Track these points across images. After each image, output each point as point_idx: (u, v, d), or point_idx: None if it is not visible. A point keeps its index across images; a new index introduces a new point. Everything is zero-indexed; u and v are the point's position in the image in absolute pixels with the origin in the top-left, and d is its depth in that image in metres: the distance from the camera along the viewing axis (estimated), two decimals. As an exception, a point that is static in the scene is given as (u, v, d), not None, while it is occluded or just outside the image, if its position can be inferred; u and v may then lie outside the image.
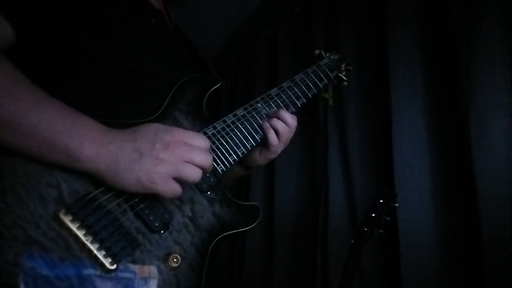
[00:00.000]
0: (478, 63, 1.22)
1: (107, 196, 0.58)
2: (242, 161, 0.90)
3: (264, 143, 0.82)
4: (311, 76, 0.94)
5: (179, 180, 0.57)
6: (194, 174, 0.58)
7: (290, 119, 0.81)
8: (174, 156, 0.56)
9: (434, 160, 1.32)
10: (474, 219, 1.14)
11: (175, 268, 0.61)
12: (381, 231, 1.08)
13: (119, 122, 0.62)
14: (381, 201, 1.06)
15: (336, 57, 1.05)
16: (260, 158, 0.86)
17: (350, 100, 1.66)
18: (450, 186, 1.26)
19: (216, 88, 0.80)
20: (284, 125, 0.80)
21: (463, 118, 1.21)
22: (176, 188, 0.57)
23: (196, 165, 0.58)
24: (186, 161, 0.57)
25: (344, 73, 1.05)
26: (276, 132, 0.80)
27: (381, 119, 1.51)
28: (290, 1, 2.18)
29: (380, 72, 1.51)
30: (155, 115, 0.70)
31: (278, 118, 0.81)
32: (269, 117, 0.82)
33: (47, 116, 0.53)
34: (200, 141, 0.60)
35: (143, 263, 0.58)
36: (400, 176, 1.35)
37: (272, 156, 0.84)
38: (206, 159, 0.59)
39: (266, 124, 0.80)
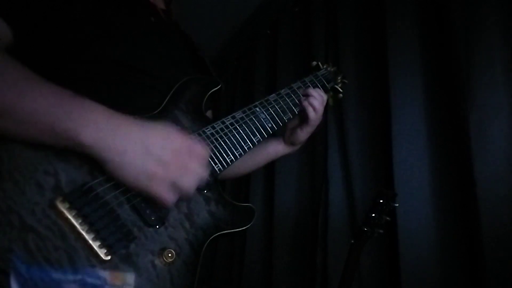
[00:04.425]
0: (478, 63, 1.22)
1: (105, 187, 0.57)
2: (286, 139, 1.00)
3: (303, 119, 0.94)
4: (309, 85, 0.97)
5: (176, 189, 0.57)
6: (191, 183, 0.58)
7: (321, 95, 0.94)
8: (179, 162, 0.56)
9: (433, 160, 1.32)
10: (473, 219, 1.14)
11: (169, 264, 0.60)
12: (381, 231, 1.08)
13: None
14: (381, 201, 1.06)
15: (333, 69, 1.08)
16: (302, 134, 0.96)
17: (350, 101, 1.66)
18: (450, 186, 1.26)
19: (215, 90, 0.81)
20: (318, 101, 0.92)
21: (462, 118, 1.20)
22: (170, 197, 0.57)
23: (195, 175, 0.59)
24: (188, 169, 0.57)
25: (340, 85, 1.08)
26: (313, 108, 0.92)
27: (380, 119, 1.51)
28: (290, 1, 2.18)
29: (380, 72, 1.51)
30: (155, 111, 0.69)
31: (311, 95, 0.92)
32: (304, 95, 0.94)
33: (43, 101, 0.52)
34: (202, 149, 0.61)
35: (137, 257, 0.57)
36: (400, 176, 1.35)
37: (311, 129, 0.96)
38: (203, 171, 0.60)
39: (306, 103, 0.92)
